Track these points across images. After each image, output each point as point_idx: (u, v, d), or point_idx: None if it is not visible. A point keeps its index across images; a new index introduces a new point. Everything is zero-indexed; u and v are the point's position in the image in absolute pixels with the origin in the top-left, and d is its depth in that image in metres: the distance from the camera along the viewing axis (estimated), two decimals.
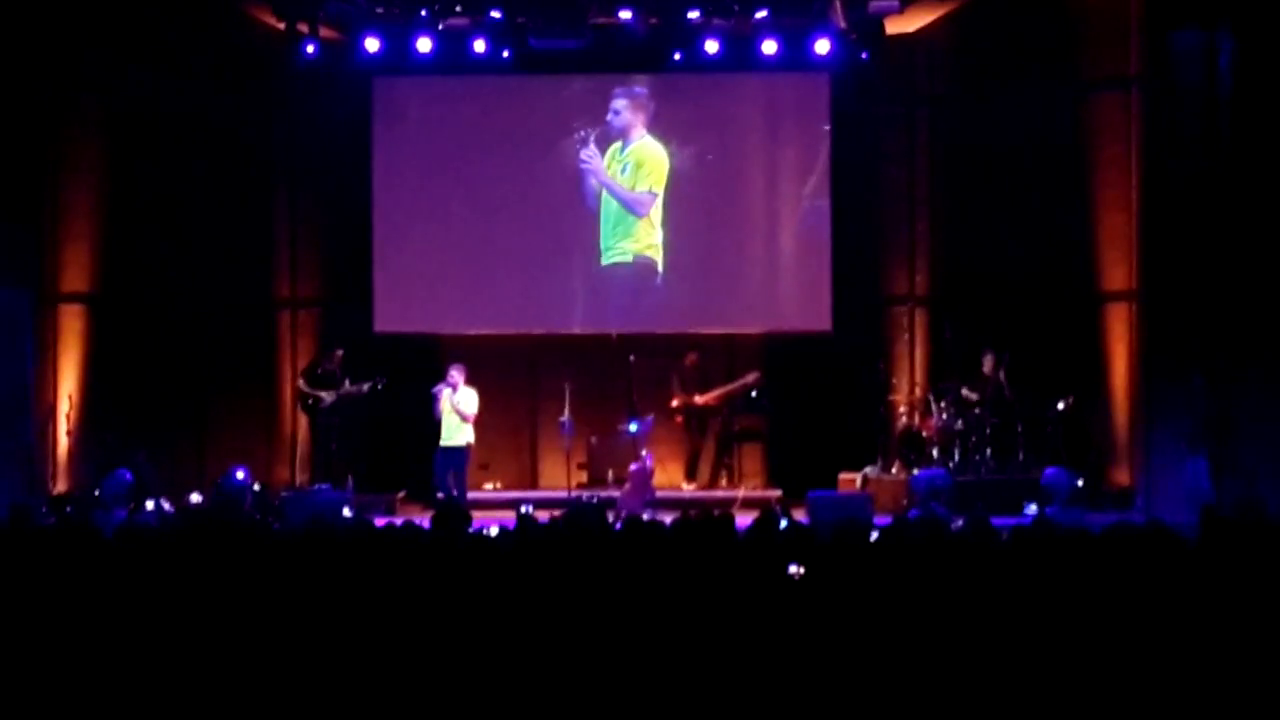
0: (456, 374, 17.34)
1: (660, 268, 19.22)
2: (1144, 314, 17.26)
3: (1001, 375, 17.81)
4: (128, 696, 6.32)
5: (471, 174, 19.40)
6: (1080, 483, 16.67)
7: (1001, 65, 18.64)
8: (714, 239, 19.32)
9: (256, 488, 17.61)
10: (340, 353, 18.71)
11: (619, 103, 19.12)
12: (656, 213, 19.20)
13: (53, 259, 17.59)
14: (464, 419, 17.33)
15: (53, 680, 6.35)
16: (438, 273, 19.40)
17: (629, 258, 19.25)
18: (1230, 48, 15.86)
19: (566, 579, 7.54)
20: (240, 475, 17.36)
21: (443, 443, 17.40)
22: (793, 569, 7.71)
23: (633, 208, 19.18)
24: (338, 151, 19.54)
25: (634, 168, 19.18)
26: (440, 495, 17.10)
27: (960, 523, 9.88)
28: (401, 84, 19.38)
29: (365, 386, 18.32)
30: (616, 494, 17.35)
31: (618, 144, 19.19)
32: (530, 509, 14.93)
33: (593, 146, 19.07)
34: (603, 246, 19.26)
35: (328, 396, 18.46)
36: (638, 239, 19.24)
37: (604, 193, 19.21)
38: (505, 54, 18.29)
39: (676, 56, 18.34)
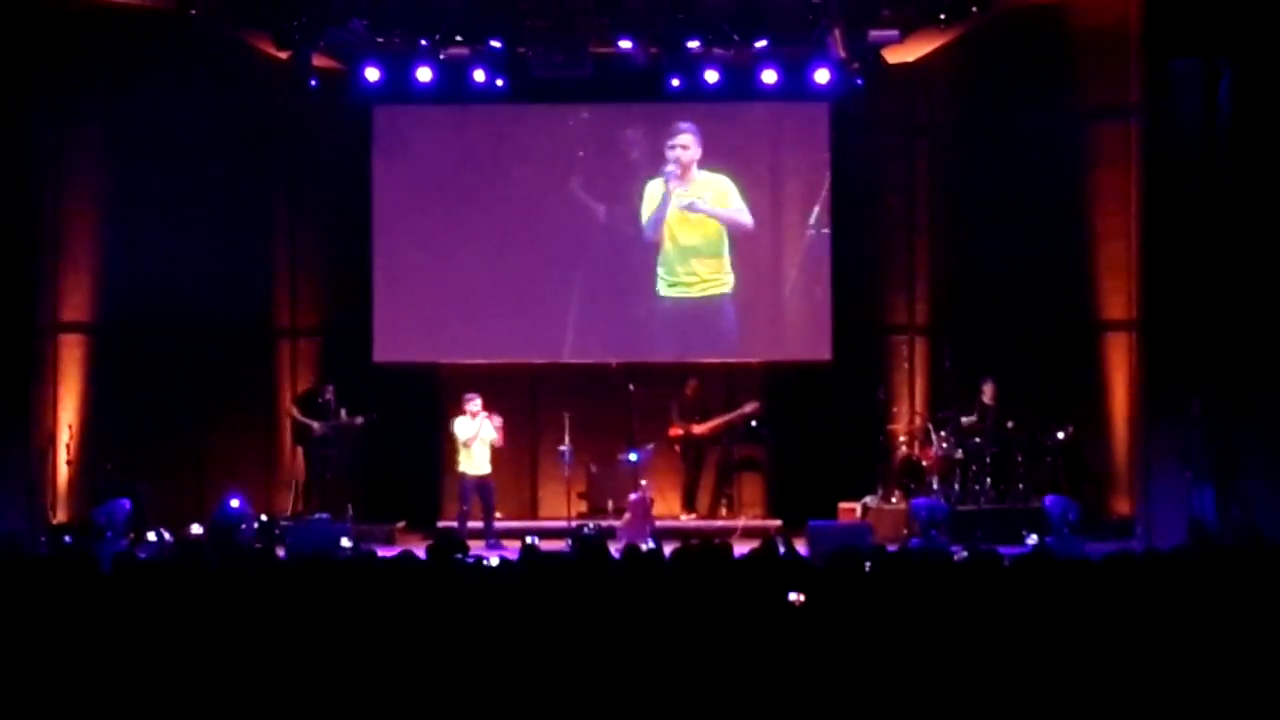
0: (479, 402, 17.59)
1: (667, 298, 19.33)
2: (1144, 343, 17.23)
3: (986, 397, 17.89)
4: None
5: (471, 203, 19.38)
6: (1080, 512, 16.63)
7: (1001, 94, 18.66)
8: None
9: (264, 518, 17.62)
10: (331, 387, 18.72)
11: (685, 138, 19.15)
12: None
13: (52, 288, 17.61)
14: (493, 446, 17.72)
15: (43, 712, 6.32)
16: (438, 302, 19.37)
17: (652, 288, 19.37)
18: (1229, 76, 15.87)
19: (568, 609, 7.52)
20: (235, 504, 17.36)
21: (478, 471, 17.60)
22: (793, 596, 7.70)
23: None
24: (338, 181, 19.56)
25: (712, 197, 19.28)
26: (467, 525, 17.38)
27: (960, 552, 9.87)
28: (402, 113, 19.38)
29: (360, 420, 18.36)
30: (617, 524, 17.33)
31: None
32: (536, 540, 15.01)
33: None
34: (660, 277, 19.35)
35: (318, 426, 18.47)
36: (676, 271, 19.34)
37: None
38: (499, 83, 18.31)
39: (675, 83, 18.33)
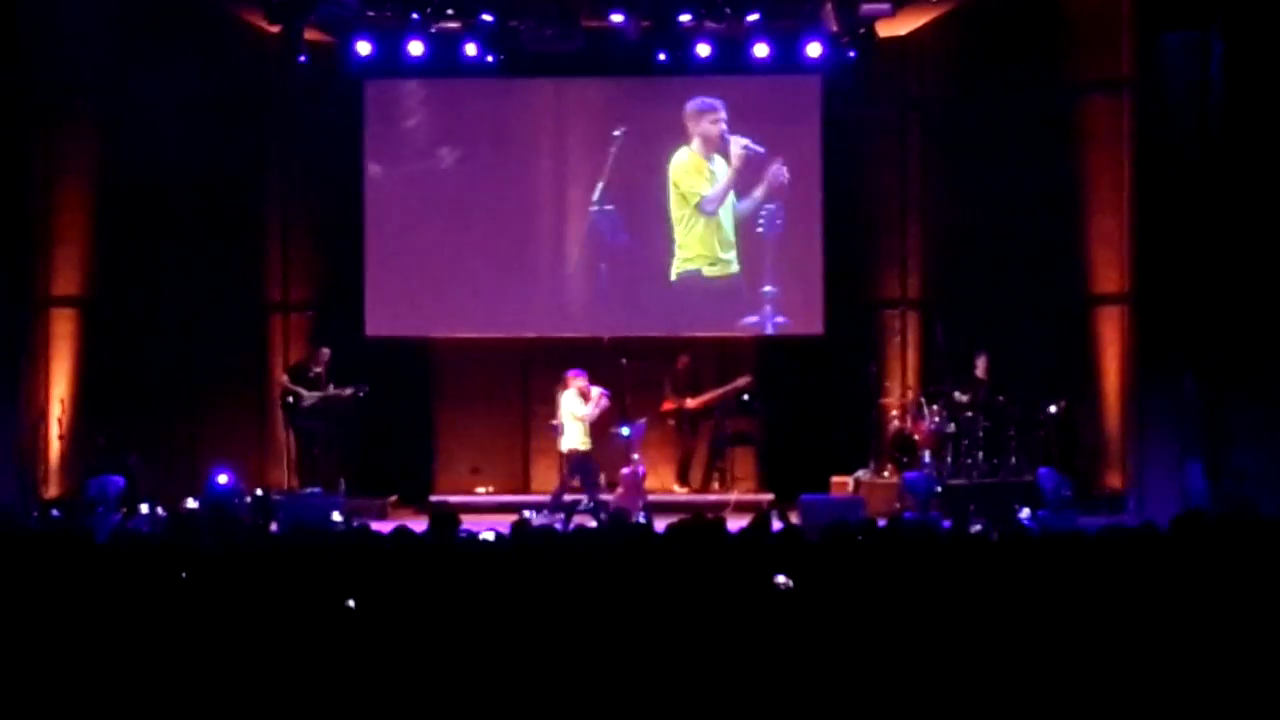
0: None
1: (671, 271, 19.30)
2: (1136, 317, 17.27)
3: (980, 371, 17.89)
4: (113, 707, 6.29)
5: (463, 177, 19.36)
6: (1072, 486, 16.64)
7: (993, 68, 18.61)
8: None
9: (259, 492, 17.58)
10: (327, 352, 18.68)
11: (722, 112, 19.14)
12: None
13: (44, 262, 17.60)
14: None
15: (36, 688, 6.32)
16: (429, 276, 19.33)
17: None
18: (1221, 49, 15.87)
19: (561, 584, 7.52)
20: (223, 479, 17.28)
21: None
22: (780, 579, 7.66)
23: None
24: (329, 154, 19.48)
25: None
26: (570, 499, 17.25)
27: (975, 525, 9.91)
28: (393, 87, 19.35)
29: (348, 391, 18.31)
30: (609, 498, 17.33)
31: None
32: (532, 514, 14.99)
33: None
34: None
35: (308, 396, 18.44)
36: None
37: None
38: (489, 58, 18.29)
39: (661, 57, 18.31)
